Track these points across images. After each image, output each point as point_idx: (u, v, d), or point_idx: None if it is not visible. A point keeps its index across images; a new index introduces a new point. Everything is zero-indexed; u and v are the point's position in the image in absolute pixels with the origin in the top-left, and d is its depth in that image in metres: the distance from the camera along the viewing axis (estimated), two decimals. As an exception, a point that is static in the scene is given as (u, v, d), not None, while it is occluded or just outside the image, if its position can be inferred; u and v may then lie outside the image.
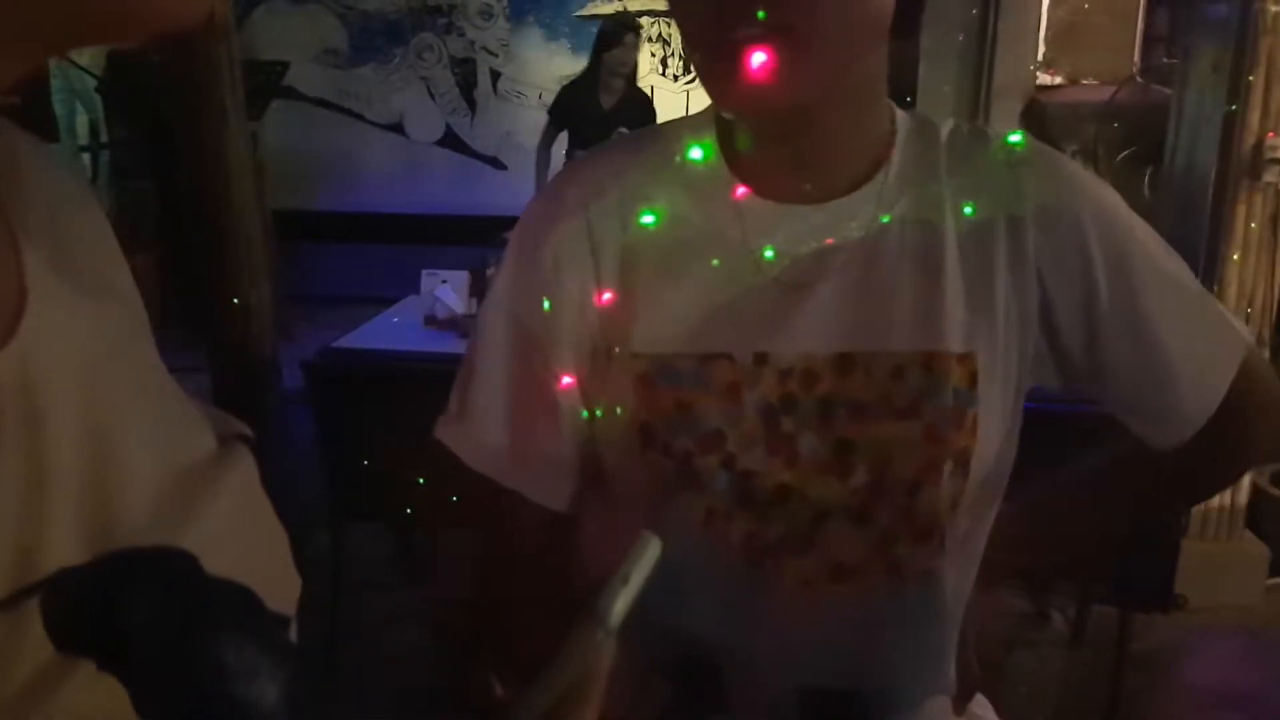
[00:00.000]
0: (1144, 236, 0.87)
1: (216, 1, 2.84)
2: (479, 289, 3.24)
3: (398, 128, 6.59)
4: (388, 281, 3.81)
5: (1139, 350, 0.86)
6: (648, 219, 0.85)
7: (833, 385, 0.82)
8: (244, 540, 0.46)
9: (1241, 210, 2.85)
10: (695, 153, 0.87)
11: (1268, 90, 2.78)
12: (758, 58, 0.73)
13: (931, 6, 0.83)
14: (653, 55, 6.28)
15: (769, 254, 0.84)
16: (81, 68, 5.20)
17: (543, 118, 6.24)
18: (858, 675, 0.89)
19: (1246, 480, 3.05)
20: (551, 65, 6.49)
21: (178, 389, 0.50)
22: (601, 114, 4.77)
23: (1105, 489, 1.01)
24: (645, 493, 0.85)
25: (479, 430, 0.88)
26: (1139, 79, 4.26)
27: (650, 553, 0.61)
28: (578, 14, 6.44)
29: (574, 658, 0.60)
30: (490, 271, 0.95)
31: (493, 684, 0.83)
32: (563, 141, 4.93)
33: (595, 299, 0.85)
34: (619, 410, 0.85)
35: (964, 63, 3.90)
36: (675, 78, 6.45)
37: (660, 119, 4.92)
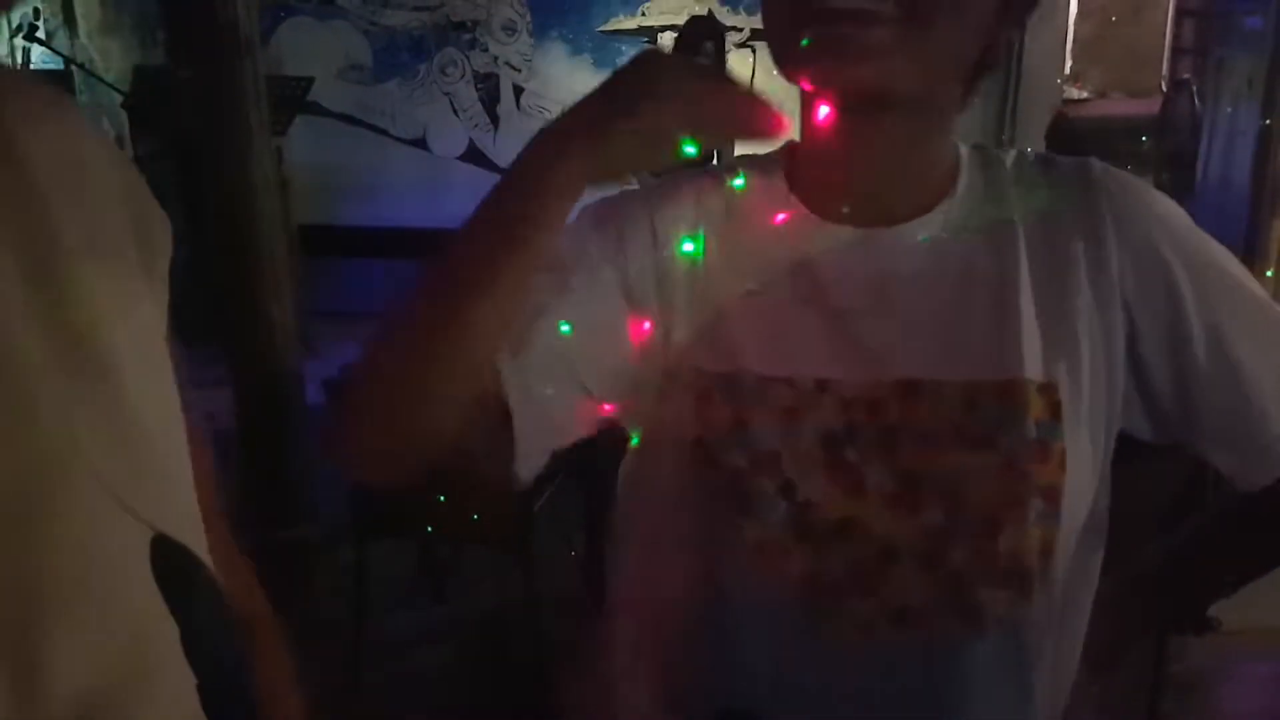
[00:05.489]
0: (1223, 259, 0.83)
1: (241, 16, 2.85)
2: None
3: (421, 143, 6.61)
4: (411, 296, 3.79)
5: (1229, 382, 0.81)
6: (712, 234, 0.84)
7: (899, 414, 0.79)
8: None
9: (1277, 225, 2.81)
10: (761, 176, 0.86)
11: (1303, 103, 2.74)
12: (856, 28, 0.71)
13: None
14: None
15: (833, 278, 0.82)
16: (107, 83, 5.23)
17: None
18: None
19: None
20: (575, 81, 6.49)
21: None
22: None
23: (1219, 543, 0.97)
24: (695, 521, 0.81)
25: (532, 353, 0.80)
26: (1169, 92, 4.22)
27: None
28: (601, 29, 6.45)
29: None
30: None
31: None
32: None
33: (661, 308, 0.83)
34: (671, 424, 0.82)
35: (990, 76, 3.87)
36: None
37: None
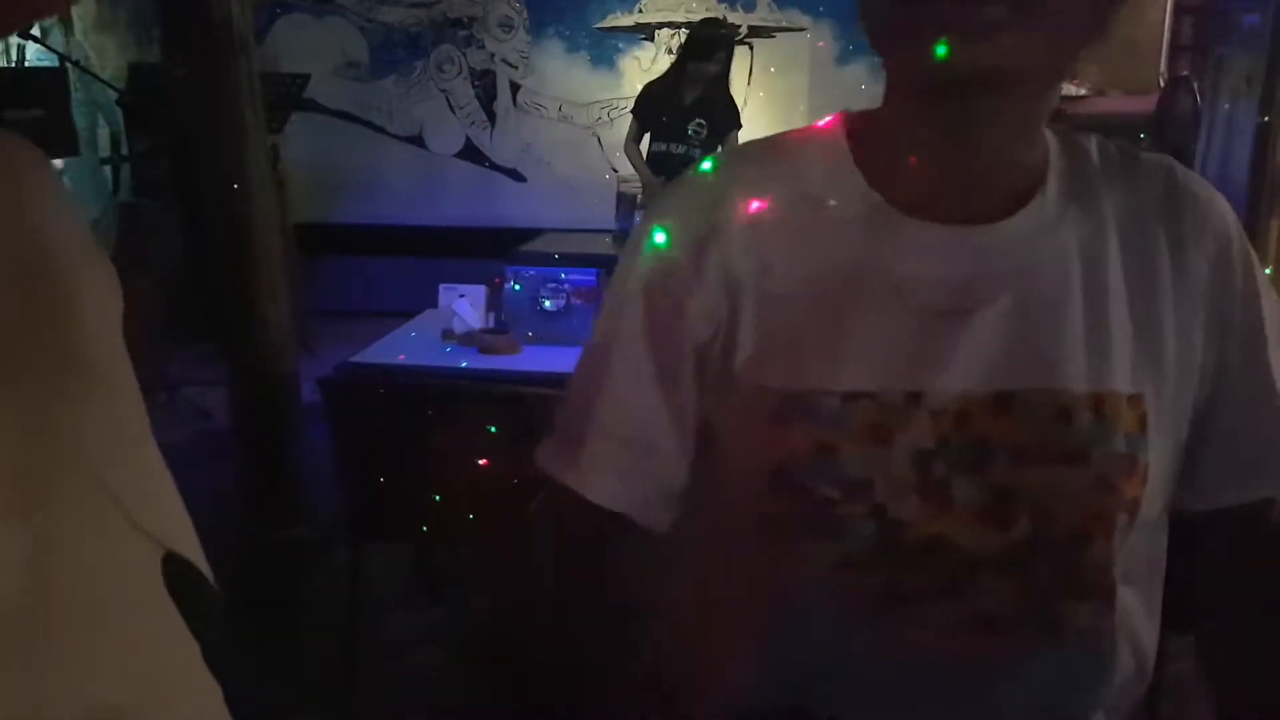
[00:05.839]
0: (1261, 272, 0.82)
1: (236, 13, 2.84)
2: (496, 303, 3.23)
3: (418, 140, 6.60)
4: (408, 294, 3.79)
5: (1257, 387, 0.80)
6: (784, 239, 0.78)
7: (990, 427, 0.75)
8: None
9: (1275, 224, 2.81)
10: (834, 167, 0.79)
11: (1302, 101, 2.74)
12: (983, 13, 0.65)
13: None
14: (673, 67, 6.27)
15: (920, 280, 0.76)
16: (103, 80, 5.21)
17: (562, 130, 6.26)
18: None
19: None
20: (571, 77, 6.49)
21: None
22: (682, 107, 4.89)
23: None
24: (767, 536, 0.78)
25: (596, 453, 0.83)
26: (1166, 89, 4.21)
27: None
28: (598, 26, 6.44)
29: None
30: (604, 285, 0.90)
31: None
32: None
33: (725, 320, 0.79)
34: (745, 448, 0.78)
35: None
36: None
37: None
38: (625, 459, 0.82)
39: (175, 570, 0.40)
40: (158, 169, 5.38)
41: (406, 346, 3.16)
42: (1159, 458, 0.76)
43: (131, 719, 0.36)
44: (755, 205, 0.79)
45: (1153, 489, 0.76)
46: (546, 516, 0.89)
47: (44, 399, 0.39)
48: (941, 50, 0.66)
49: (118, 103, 5.38)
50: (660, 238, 0.81)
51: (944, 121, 0.74)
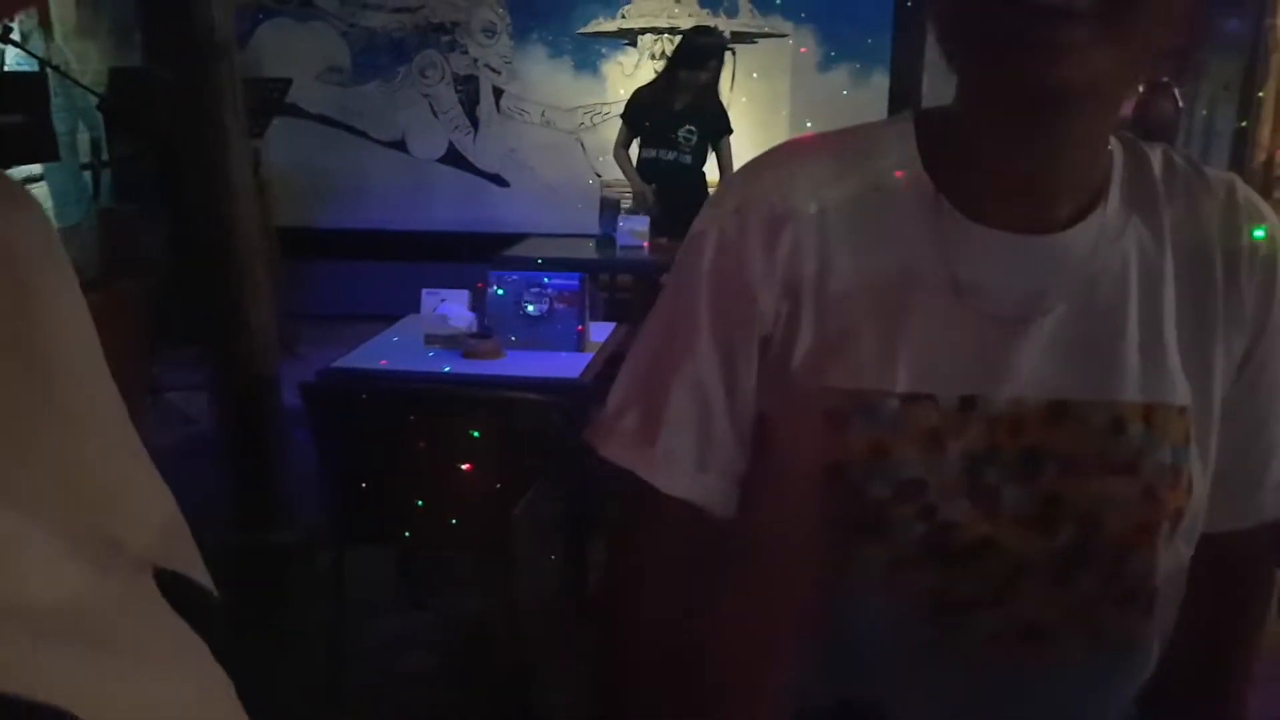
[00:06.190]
0: None
1: (218, 18, 2.83)
2: (479, 307, 3.23)
3: (400, 145, 6.59)
4: (391, 299, 3.79)
5: (1259, 419, 0.81)
6: (849, 237, 0.78)
7: (1042, 435, 0.76)
8: None
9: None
10: (901, 168, 0.79)
11: (1278, 107, 2.77)
12: (1055, 24, 0.64)
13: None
14: (655, 73, 6.27)
15: (983, 287, 0.76)
16: (83, 85, 5.18)
17: (546, 135, 6.27)
18: None
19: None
20: (555, 83, 6.50)
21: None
22: (673, 114, 4.93)
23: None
24: (820, 532, 0.78)
25: (666, 446, 0.82)
26: (1144, 94, 4.23)
27: None
28: (581, 31, 6.45)
29: None
30: (663, 279, 0.89)
31: None
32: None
33: (787, 314, 0.79)
34: (801, 443, 0.78)
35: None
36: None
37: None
38: (696, 450, 0.83)
39: (168, 583, 0.41)
40: (139, 174, 5.36)
41: (389, 351, 3.16)
42: (1200, 470, 0.78)
43: None
44: (823, 200, 0.79)
45: (1194, 500, 0.77)
46: (632, 514, 0.89)
47: (23, 422, 0.39)
48: (1021, 74, 0.66)
49: (98, 108, 5.35)
50: (728, 230, 0.81)
51: (1018, 131, 0.74)
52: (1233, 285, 0.79)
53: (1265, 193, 2.80)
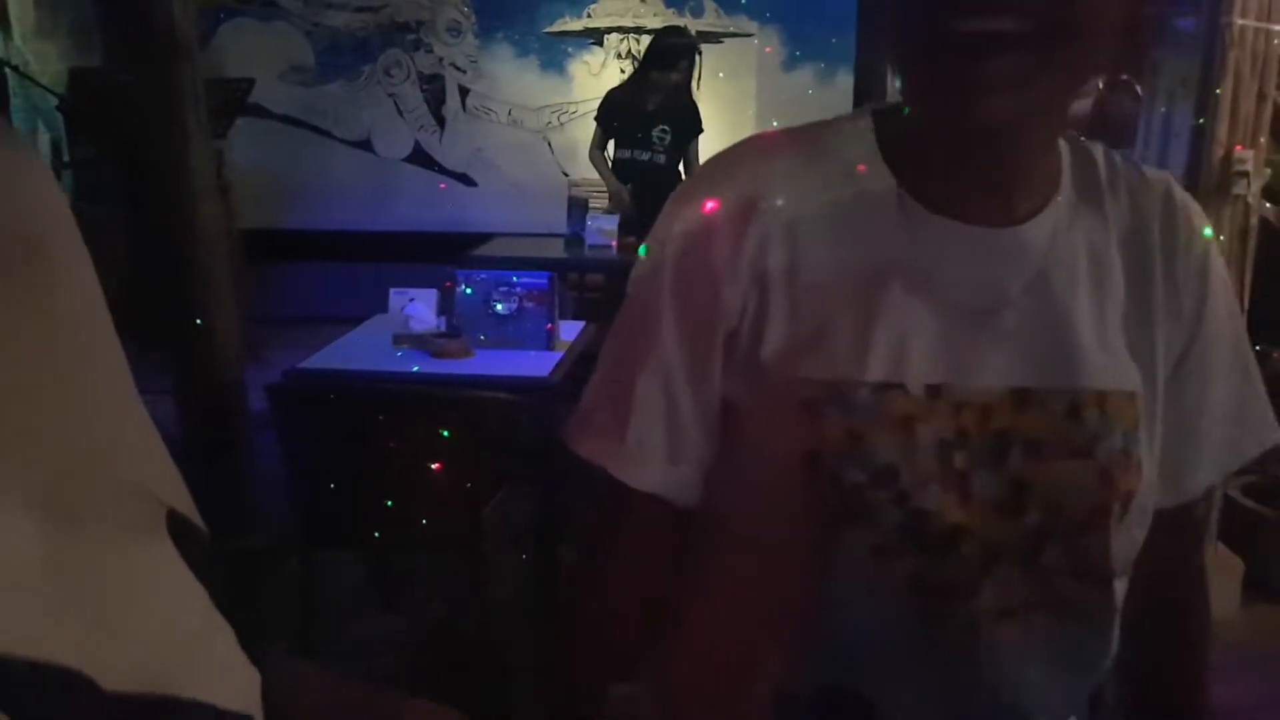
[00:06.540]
0: (1231, 295, 0.88)
1: (178, 17, 2.80)
2: (448, 307, 3.21)
3: (366, 145, 6.56)
4: (358, 300, 3.77)
5: (1193, 399, 0.86)
6: (814, 230, 0.80)
7: (1008, 421, 0.79)
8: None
9: (1211, 222, 2.87)
10: (863, 162, 0.82)
11: (1235, 103, 2.80)
12: (1001, 61, 0.67)
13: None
14: (621, 72, 6.28)
15: (947, 278, 0.79)
16: (43, 85, 5.12)
17: (512, 134, 6.27)
18: (1011, 713, 0.84)
19: (1218, 492, 3.06)
20: (521, 82, 6.49)
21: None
22: (646, 114, 4.94)
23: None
24: (806, 523, 0.81)
25: (634, 441, 0.84)
26: (1102, 93, 4.28)
27: None
28: (546, 30, 6.44)
29: None
30: (637, 273, 0.89)
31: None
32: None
33: (755, 308, 0.81)
34: (776, 433, 0.81)
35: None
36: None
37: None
38: (666, 443, 0.85)
39: (176, 525, 0.41)
40: (99, 175, 5.29)
41: (356, 351, 3.15)
42: (1148, 452, 0.82)
43: (164, 676, 0.37)
44: (787, 193, 0.81)
45: (1144, 483, 0.81)
46: (605, 510, 0.91)
47: (41, 367, 0.40)
48: (967, 106, 0.69)
49: (58, 108, 5.28)
50: (692, 224, 0.82)
51: (967, 139, 0.77)
52: (1170, 279, 0.83)
53: (1223, 189, 2.84)
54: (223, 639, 0.41)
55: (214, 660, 0.40)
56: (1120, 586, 0.85)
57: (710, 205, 0.82)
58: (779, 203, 0.80)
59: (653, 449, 0.85)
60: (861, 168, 0.81)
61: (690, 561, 0.91)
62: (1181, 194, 0.86)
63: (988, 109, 0.69)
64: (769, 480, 0.83)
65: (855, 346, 0.79)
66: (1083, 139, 0.86)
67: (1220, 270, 0.86)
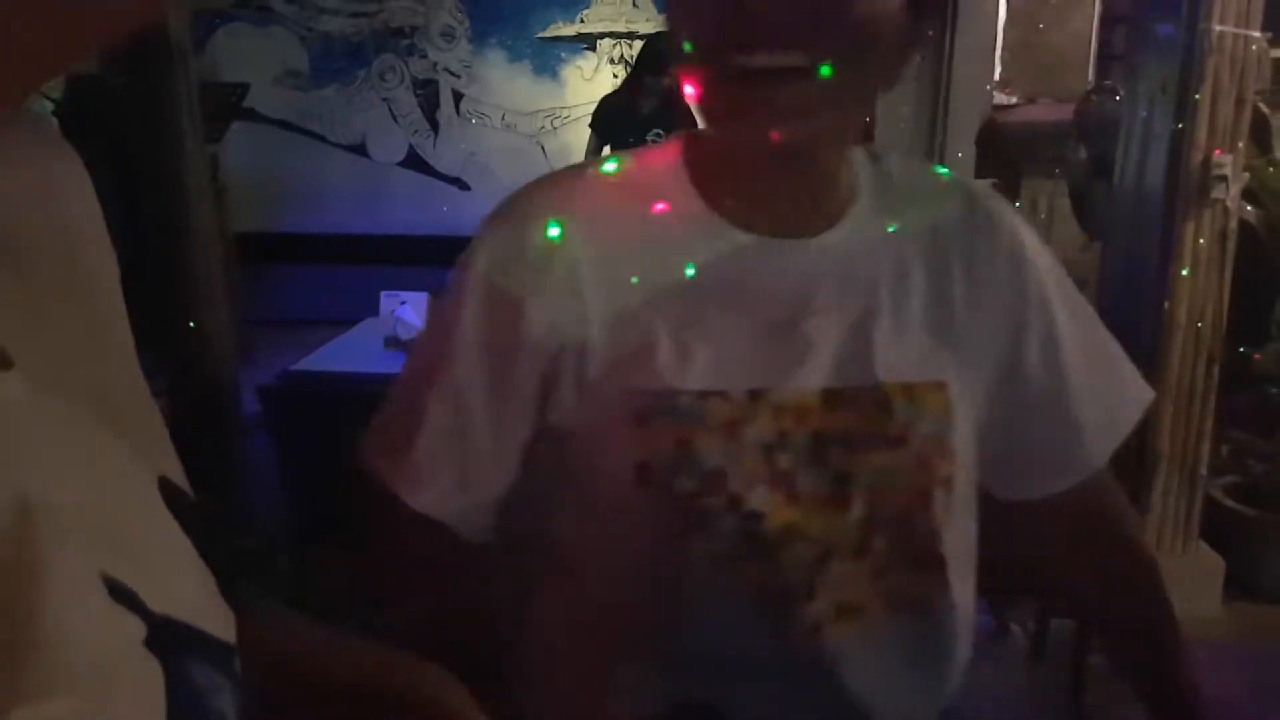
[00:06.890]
0: (1063, 278, 0.93)
1: (174, 22, 2.83)
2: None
3: (360, 149, 6.58)
4: (351, 303, 3.80)
5: (1055, 389, 0.91)
6: (626, 252, 0.84)
7: (822, 420, 0.83)
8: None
9: (1191, 226, 2.90)
10: (672, 185, 0.86)
11: (1214, 108, 2.84)
12: (783, 88, 0.74)
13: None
14: (615, 77, 6.31)
15: (755, 289, 0.84)
16: (39, 90, 5.14)
17: (506, 139, 6.27)
18: (864, 714, 0.86)
19: (1200, 491, 3.09)
20: (514, 86, 6.51)
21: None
22: (640, 119, 4.94)
23: None
24: (644, 537, 0.82)
25: (421, 461, 0.85)
26: (1094, 97, 4.33)
27: None
28: (540, 35, 6.47)
29: None
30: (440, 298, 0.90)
31: None
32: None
33: (575, 333, 0.82)
34: (608, 447, 0.83)
35: (921, 82, 3.96)
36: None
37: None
38: (452, 470, 0.85)
39: (167, 489, 0.45)
40: (95, 179, 5.31)
41: (348, 354, 3.17)
42: (962, 437, 0.86)
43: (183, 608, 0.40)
44: (598, 218, 0.85)
45: (961, 466, 0.86)
46: (379, 526, 0.94)
47: (75, 360, 0.44)
48: (753, 132, 0.78)
49: (54, 113, 5.31)
50: (502, 252, 0.85)
51: (759, 156, 0.83)
52: (973, 273, 0.88)
53: (1202, 193, 2.87)
54: (208, 582, 0.45)
55: (203, 598, 0.44)
56: (960, 582, 0.87)
57: (520, 233, 0.85)
58: (590, 228, 0.84)
59: (438, 471, 0.85)
60: (671, 192, 0.86)
61: (535, 589, 0.91)
62: (981, 191, 0.93)
63: (776, 132, 0.77)
64: (606, 499, 0.84)
65: (677, 359, 0.82)
66: (878, 151, 0.92)
67: (1042, 257, 0.91)
